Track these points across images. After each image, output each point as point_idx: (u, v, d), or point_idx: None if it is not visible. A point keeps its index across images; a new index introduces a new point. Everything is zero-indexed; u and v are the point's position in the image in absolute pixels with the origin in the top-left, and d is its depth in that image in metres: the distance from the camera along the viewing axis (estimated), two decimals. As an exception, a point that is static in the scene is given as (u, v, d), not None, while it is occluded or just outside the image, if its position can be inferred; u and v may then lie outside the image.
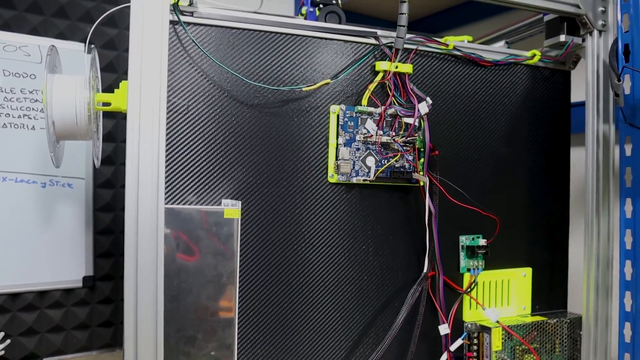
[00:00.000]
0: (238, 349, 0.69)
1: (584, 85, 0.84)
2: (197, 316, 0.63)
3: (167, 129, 0.66)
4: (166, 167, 0.66)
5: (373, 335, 0.77)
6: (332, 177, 0.74)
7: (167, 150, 0.66)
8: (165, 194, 0.65)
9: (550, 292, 0.89)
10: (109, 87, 1.14)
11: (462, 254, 0.82)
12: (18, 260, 1.11)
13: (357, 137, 0.75)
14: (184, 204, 0.67)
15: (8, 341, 1.03)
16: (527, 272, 0.87)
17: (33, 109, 1.11)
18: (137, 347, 0.59)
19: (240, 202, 0.68)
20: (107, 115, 1.15)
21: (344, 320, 0.76)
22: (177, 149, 0.67)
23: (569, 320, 0.85)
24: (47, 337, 1.14)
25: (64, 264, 1.15)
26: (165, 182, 0.65)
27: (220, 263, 0.64)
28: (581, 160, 0.85)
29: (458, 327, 0.82)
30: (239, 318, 0.69)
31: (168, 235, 0.62)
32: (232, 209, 0.65)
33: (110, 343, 1.20)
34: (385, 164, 0.76)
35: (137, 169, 0.61)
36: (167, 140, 0.66)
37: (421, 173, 0.77)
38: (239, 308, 0.69)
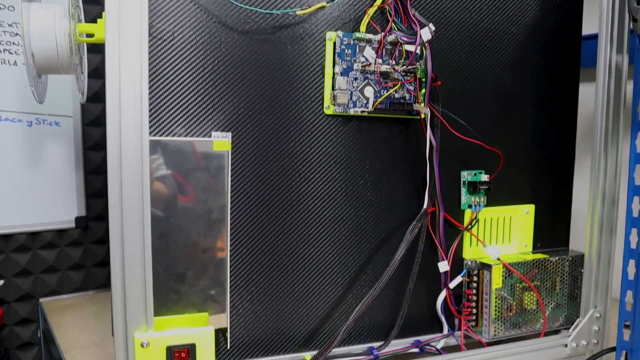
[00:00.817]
0: (231, 286, 0.67)
1: (593, 19, 0.79)
2: (187, 253, 0.61)
3: (150, 56, 0.61)
4: (150, 98, 0.62)
5: (370, 272, 0.75)
6: (328, 109, 0.70)
7: (150, 80, 0.62)
8: (151, 127, 0.62)
9: (552, 229, 0.87)
10: (93, 21, 1.08)
11: (463, 190, 0.79)
12: (8, 201, 1.08)
13: (355, 66, 0.70)
14: (171, 137, 0.63)
15: (1, 281, 1.02)
16: (530, 209, 0.84)
17: (14, 43, 1.06)
18: (125, 284, 0.57)
19: (230, 133, 0.64)
20: (94, 50, 1.10)
21: (340, 257, 0.74)
22: (162, 79, 0.63)
23: (570, 258, 0.83)
24: (41, 277, 1.13)
25: (56, 205, 1.12)
26: (150, 114, 0.62)
27: (210, 198, 0.61)
28: (589, 97, 0.81)
29: (458, 264, 0.80)
30: (231, 255, 0.66)
31: (154, 168, 0.59)
32: (221, 141, 0.61)
33: (106, 283, 1.19)
34: (384, 95, 0.72)
35: (119, 99, 0.57)
36: (150, 68, 0.62)
37: (422, 104, 0.72)
38: (231, 244, 0.66)
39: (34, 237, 1.12)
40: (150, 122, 0.61)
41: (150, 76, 0.60)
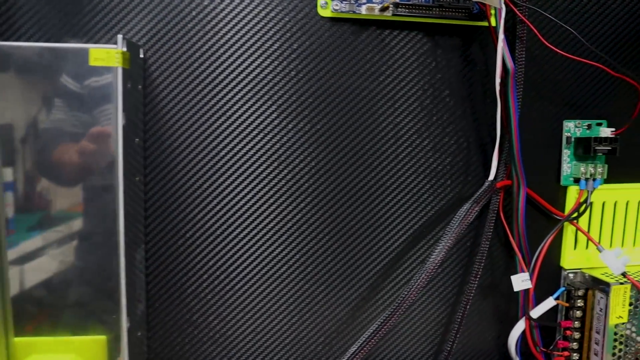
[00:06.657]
0: (148, 300, 0.41)
1: None
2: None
3: None
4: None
5: (394, 286, 0.46)
6: (325, 7, 0.41)
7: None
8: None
9: None
10: None
11: (566, 152, 0.47)
12: None
13: None
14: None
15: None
16: (684, 190, 0.50)
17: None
18: None
19: (121, 38, 0.37)
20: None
21: (338, 262, 0.45)
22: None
23: None
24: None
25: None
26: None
27: (92, 153, 0.35)
28: None
29: (549, 278, 0.49)
30: (148, 248, 0.40)
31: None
32: (104, 50, 0.34)
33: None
34: (418, -25, 0.41)
35: None
36: None
37: (491, -6, 0.41)
38: (142, 232, 0.40)
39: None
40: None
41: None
